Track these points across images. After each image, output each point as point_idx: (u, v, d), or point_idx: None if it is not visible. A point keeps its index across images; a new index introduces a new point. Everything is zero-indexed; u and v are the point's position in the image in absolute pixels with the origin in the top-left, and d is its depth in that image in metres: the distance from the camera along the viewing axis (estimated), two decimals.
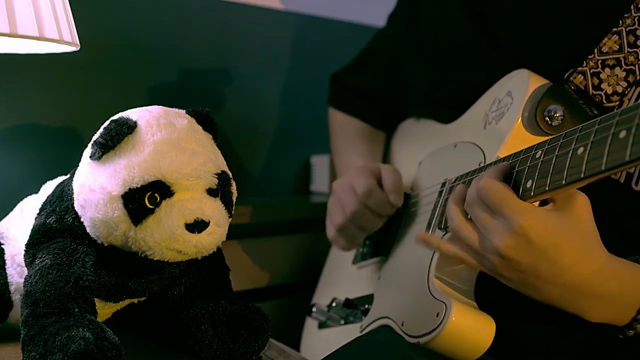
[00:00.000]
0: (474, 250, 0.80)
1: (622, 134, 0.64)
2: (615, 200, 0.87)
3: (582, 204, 0.75)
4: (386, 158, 1.28)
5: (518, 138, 0.90)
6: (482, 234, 0.78)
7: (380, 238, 1.11)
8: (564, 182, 0.71)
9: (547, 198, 0.76)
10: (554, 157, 0.73)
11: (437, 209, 0.97)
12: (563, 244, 0.74)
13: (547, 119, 0.89)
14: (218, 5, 1.46)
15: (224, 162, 0.84)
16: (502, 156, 0.84)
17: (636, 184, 0.85)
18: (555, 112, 0.88)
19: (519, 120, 0.91)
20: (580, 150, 0.69)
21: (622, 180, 0.86)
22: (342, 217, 1.10)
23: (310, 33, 1.63)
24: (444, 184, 0.99)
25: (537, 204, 0.78)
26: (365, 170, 1.09)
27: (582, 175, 0.68)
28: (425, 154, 1.11)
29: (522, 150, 0.80)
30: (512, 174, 0.79)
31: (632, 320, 0.79)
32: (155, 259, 0.78)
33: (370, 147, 1.27)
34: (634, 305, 0.78)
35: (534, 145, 0.78)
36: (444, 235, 0.92)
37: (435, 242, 0.88)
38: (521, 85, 0.93)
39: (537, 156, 0.76)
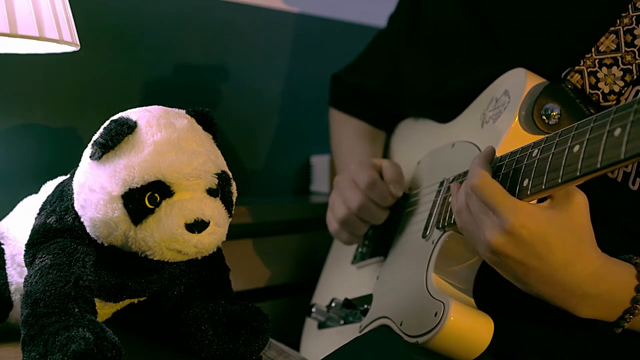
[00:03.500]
0: (469, 235, 0.82)
1: (617, 131, 0.64)
2: (612, 200, 0.87)
3: (579, 202, 0.75)
4: (385, 158, 1.28)
5: (515, 137, 0.90)
6: (477, 225, 0.79)
7: (379, 238, 1.12)
8: (560, 181, 0.71)
9: (545, 196, 0.77)
10: (550, 156, 0.73)
11: (436, 209, 0.97)
12: (554, 241, 0.74)
13: (544, 117, 0.89)
14: (218, 5, 1.46)
15: (224, 162, 0.83)
16: (499, 155, 0.84)
17: (633, 184, 0.85)
18: (552, 111, 0.88)
19: (516, 119, 0.90)
20: (576, 148, 0.69)
21: (619, 180, 0.86)
22: (346, 211, 1.10)
23: (310, 33, 1.63)
24: (442, 184, 0.99)
25: (534, 202, 0.78)
26: (366, 164, 1.11)
27: (578, 174, 0.68)
28: (423, 153, 1.11)
29: (518, 149, 0.80)
30: (508, 172, 0.79)
31: (619, 319, 0.80)
32: (155, 259, 0.78)
33: (370, 147, 1.28)
34: (622, 304, 0.80)
35: (531, 143, 0.78)
36: (442, 234, 0.92)
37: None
38: (518, 84, 0.92)
39: (533, 155, 0.76)
